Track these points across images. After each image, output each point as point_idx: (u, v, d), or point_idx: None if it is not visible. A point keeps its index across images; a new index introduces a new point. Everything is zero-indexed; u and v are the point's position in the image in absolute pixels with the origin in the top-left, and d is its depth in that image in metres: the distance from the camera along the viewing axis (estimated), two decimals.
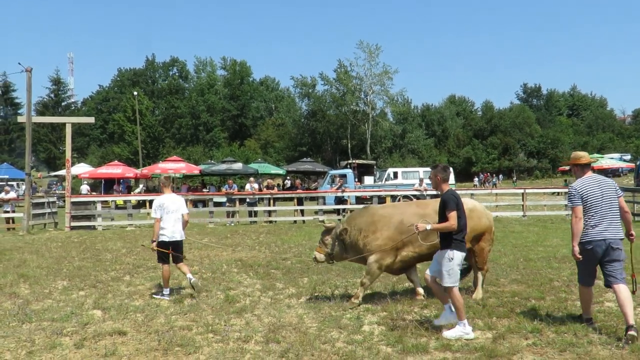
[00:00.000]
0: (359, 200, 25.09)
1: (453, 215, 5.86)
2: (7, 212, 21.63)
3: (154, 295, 8.31)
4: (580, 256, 5.95)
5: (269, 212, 21.24)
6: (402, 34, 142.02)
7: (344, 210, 21.53)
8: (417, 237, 6.91)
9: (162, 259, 8.42)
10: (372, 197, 21.86)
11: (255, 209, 21.35)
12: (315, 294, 8.20)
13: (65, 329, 6.52)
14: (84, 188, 34.42)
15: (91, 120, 27.55)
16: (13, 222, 21.27)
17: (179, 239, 8.43)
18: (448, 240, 6.00)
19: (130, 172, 34.92)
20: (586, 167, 6.26)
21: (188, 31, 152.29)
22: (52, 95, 76.94)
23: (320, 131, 62.50)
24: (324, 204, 22.06)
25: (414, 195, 21.59)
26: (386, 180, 31.70)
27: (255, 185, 22.36)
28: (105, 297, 8.32)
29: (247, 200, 21.42)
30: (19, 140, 72.12)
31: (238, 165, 35.10)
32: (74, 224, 19.70)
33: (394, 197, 22.70)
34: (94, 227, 19.98)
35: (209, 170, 35.47)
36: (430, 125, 72.35)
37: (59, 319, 7.00)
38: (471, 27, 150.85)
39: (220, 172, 35.41)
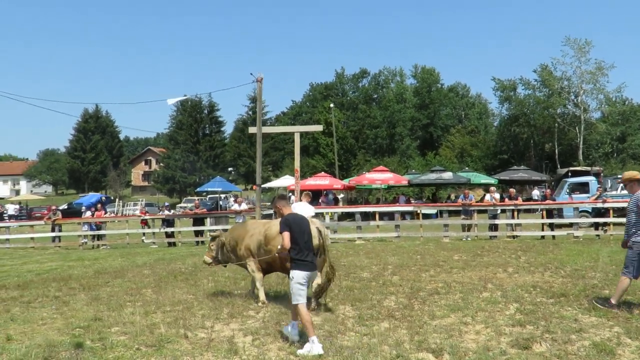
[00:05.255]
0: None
1: (284, 236, 6.36)
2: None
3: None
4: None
5: (513, 226, 18.65)
6: (613, 27, 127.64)
7: (604, 224, 18.19)
8: (261, 249, 8.58)
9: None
10: None
11: (497, 221, 18.89)
12: None
13: None
14: (292, 199, 34.38)
15: (319, 128, 27.87)
16: None
17: None
18: (292, 260, 6.40)
19: (337, 183, 34.41)
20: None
21: (376, 41, 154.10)
22: (251, 112, 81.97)
23: (524, 137, 57.49)
24: (561, 216, 19.35)
25: None
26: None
27: (497, 195, 19.91)
28: (419, 332, 6.69)
29: (488, 212, 19.08)
30: (222, 156, 78.17)
31: (448, 175, 32.84)
32: None
33: None
34: None
35: (418, 180, 33.65)
36: None
37: None
38: None
39: (430, 181, 33.46)
